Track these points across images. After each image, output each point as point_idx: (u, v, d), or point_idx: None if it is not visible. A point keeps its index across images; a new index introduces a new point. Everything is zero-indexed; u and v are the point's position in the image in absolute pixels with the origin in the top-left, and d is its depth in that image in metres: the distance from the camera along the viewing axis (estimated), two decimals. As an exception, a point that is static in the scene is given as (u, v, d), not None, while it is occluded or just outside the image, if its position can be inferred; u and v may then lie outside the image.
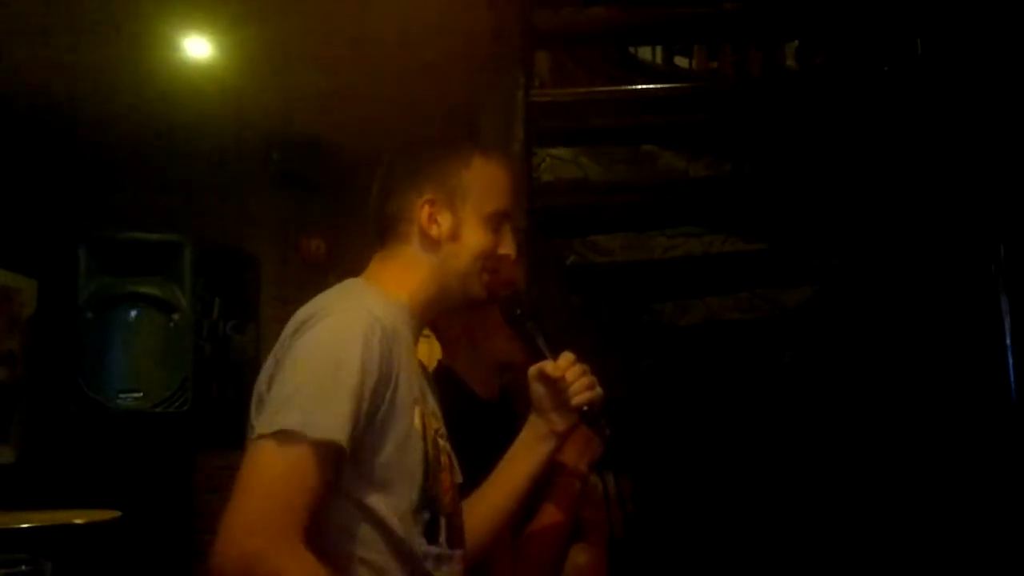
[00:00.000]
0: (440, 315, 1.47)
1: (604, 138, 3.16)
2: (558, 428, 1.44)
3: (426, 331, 1.51)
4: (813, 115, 2.98)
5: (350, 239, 4.38)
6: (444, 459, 1.33)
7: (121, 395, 3.76)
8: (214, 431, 3.91)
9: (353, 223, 4.33)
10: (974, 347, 2.56)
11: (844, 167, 2.91)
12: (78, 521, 3.05)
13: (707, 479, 2.85)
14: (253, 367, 4.26)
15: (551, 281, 2.91)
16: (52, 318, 4.07)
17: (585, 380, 1.41)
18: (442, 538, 1.29)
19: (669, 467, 2.76)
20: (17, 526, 2.89)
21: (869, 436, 2.76)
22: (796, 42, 3.86)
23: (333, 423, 1.14)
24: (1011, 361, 2.42)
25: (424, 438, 1.28)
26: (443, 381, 1.51)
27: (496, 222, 1.40)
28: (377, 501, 1.22)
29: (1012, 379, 2.42)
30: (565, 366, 1.42)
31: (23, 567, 2.17)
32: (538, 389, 1.44)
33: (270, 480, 1.13)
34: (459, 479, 1.37)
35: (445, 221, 1.37)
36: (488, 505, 1.43)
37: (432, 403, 1.36)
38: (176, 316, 3.87)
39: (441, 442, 1.33)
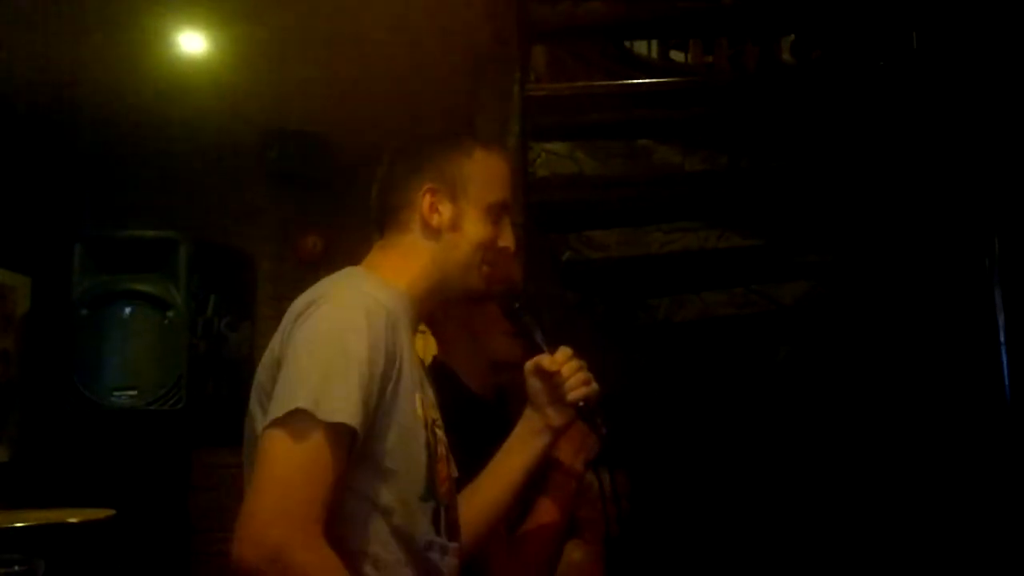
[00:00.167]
0: (437, 309, 1.47)
1: (600, 133, 3.16)
2: (554, 423, 1.44)
3: (421, 327, 1.50)
4: (809, 109, 2.97)
5: (347, 236, 4.37)
6: (441, 450, 1.32)
7: (116, 393, 3.75)
8: (209, 429, 3.90)
9: (350, 221, 4.31)
10: (968, 342, 2.56)
11: (840, 162, 2.90)
12: (73, 520, 3.04)
13: (702, 475, 2.85)
14: (248, 364, 4.27)
15: (546, 276, 2.91)
16: (46, 316, 4.06)
17: (582, 375, 1.41)
18: (441, 528, 1.29)
19: (665, 463, 2.76)
20: (11, 525, 2.89)
21: (864, 432, 2.76)
22: (792, 36, 3.86)
23: (344, 407, 1.13)
24: (1005, 356, 2.42)
25: (425, 426, 1.28)
26: (438, 376, 1.50)
27: (496, 214, 1.41)
28: (379, 489, 1.21)
29: (1006, 374, 2.42)
30: (562, 360, 1.42)
31: (16, 567, 2.16)
32: (535, 383, 1.44)
33: (288, 470, 1.12)
34: (455, 472, 1.37)
35: (446, 211, 1.38)
36: (483, 499, 1.43)
37: (430, 393, 1.36)
38: (171, 313, 3.86)
39: (438, 432, 1.33)
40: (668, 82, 3.49)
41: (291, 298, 1.33)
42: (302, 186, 4.57)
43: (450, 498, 1.33)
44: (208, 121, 4.02)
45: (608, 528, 1.55)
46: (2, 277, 4.00)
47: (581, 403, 1.41)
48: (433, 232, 1.37)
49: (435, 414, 1.34)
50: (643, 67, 3.77)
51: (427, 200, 1.37)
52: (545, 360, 1.42)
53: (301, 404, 1.12)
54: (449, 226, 1.38)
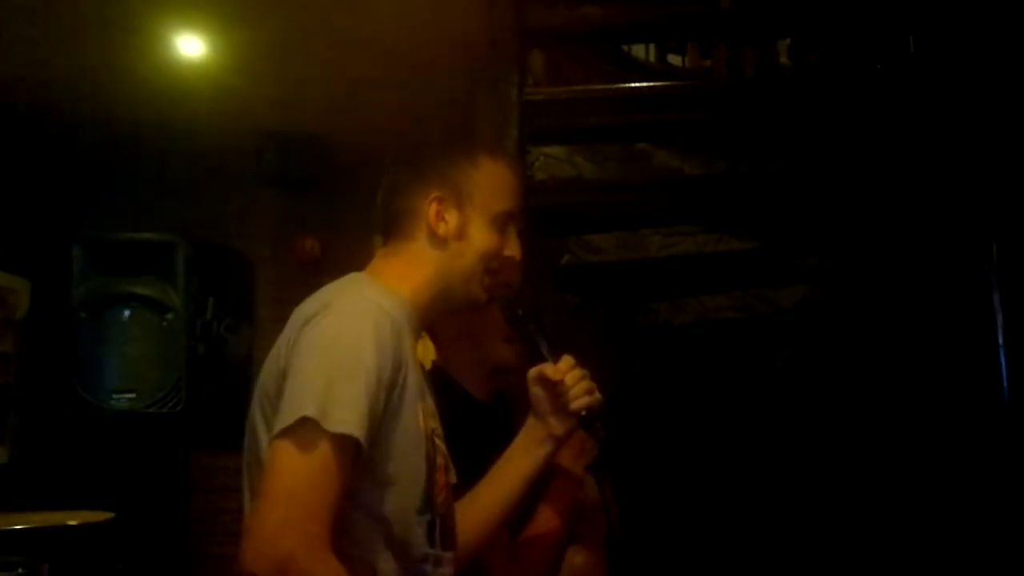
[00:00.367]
0: (439, 316, 1.46)
1: (598, 137, 3.16)
2: (556, 432, 1.43)
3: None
4: (807, 113, 2.98)
5: (344, 239, 4.37)
6: (440, 460, 1.32)
7: (115, 395, 3.76)
8: (207, 431, 3.91)
9: (348, 223, 4.32)
10: (967, 346, 2.56)
11: (837, 166, 2.91)
12: (72, 522, 3.04)
13: (701, 478, 2.85)
14: (247, 367, 4.27)
15: (546, 281, 2.91)
16: (45, 318, 4.06)
17: (584, 384, 1.41)
18: (436, 539, 1.29)
19: (663, 467, 2.77)
20: (10, 528, 2.88)
21: (862, 435, 2.77)
22: (789, 40, 3.87)
23: (350, 418, 1.14)
24: (1003, 359, 2.42)
25: (426, 437, 1.28)
26: (438, 382, 1.50)
27: (502, 223, 1.41)
28: (379, 499, 1.21)
29: (1004, 377, 2.42)
30: (565, 369, 1.41)
31: (20, 569, 2.16)
32: (537, 392, 1.44)
33: (297, 481, 1.12)
34: (453, 479, 1.37)
35: (452, 219, 1.37)
36: (482, 507, 1.43)
37: (430, 402, 1.36)
38: (170, 316, 3.87)
39: (438, 442, 1.33)
40: (666, 86, 3.50)
41: (290, 300, 1.33)
42: (300, 189, 4.57)
43: (447, 507, 1.33)
44: (206, 124, 4.02)
45: (611, 532, 1.56)
46: (3, 280, 4.00)
47: (583, 412, 1.40)
48: (439, 241, 1.37)
49: (435, 423, 1.34)
50: (641, 71, 3.78)
51: (433, 208, 1.37)
52: (548, 369, 1.42)
53: (308, 413, 1.12)
54: (455, 235, 1.37)
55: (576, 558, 1.60)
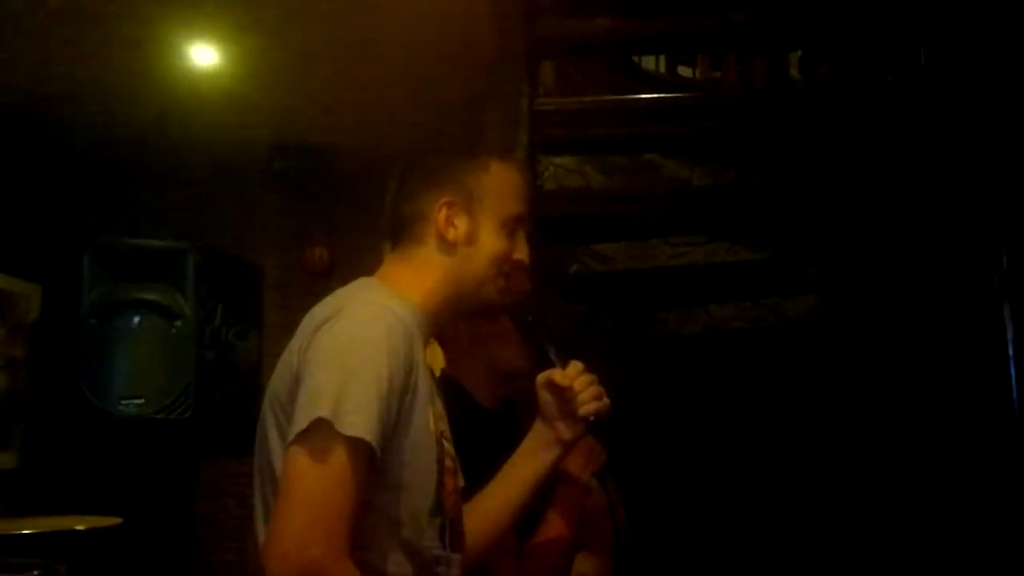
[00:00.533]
0: (448, 322, 1.47)
1: (608, 147, 3.17)
2: (564, 437, 1.43)
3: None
4: (817, 125, 2.98)
5: (353, 247, 4.39)
6: (449, 463, 1.33)
7: (123, 401, 3.76)
8: (216, 438, 3.91)
9: (356, 231, 4.35)
10: (977, 358, 2.56)
11: (847, 177, 2.91)
12: (80, 528, 3.04)
13: (707, 486, 2.84)
14: (256, 373, 4.28)
15: (554, 289, 2.91)
16: (55, 324, 4.08)
17: (593, 390, 1.41)
18: (447, 542, 1.29)
19: (669, 474, 2.76)
20: (19, 532, 2.89)
21: (871, 445, 2.76)
22: (800, 52, 3.87)
23: (361, 422, 1.14)
24: (1013, 371, 2.42)
25: (436, 440, 1.29)
26: (447, 389, 1.51)
27: (512, 227, 1.41)
28: (391, 502, 1.21)
29: (1015, 389, 2.42)
30: (574, 375, 1.41)
31: (35, 572, 2.17)
32: (546, 397, 1.44)
33: (317, 488, 1.12)
34: (462, 483, 1.37)
35: (462, 224, 1.37)
36: (489, 510, 1.43)
37: (439, 405, 1.36)
38: (179, 323, 3.88)
39: (447, 445, 1.33)
40: (676, 97, 3.51)
41: (298, 307, 1.33)
42: (309, 197, 4.59)
43: (456, 510, 1.33)
44: (217, 132, 4.05)
45: (616, 539, 1.55)
46: (13, 286, 4.02)
47: (592, 418, 1.41)
48: (449, 246, 1.37)
49: (444, 426, 1.34)
50: (651, 82, 3.79)
51: (443, 213, 1.37)
52: (557, 375, 1.42)
53: (322, 414, 1.13)
54: (465, 240, 1.37)
55: (585, 565, 1.59)
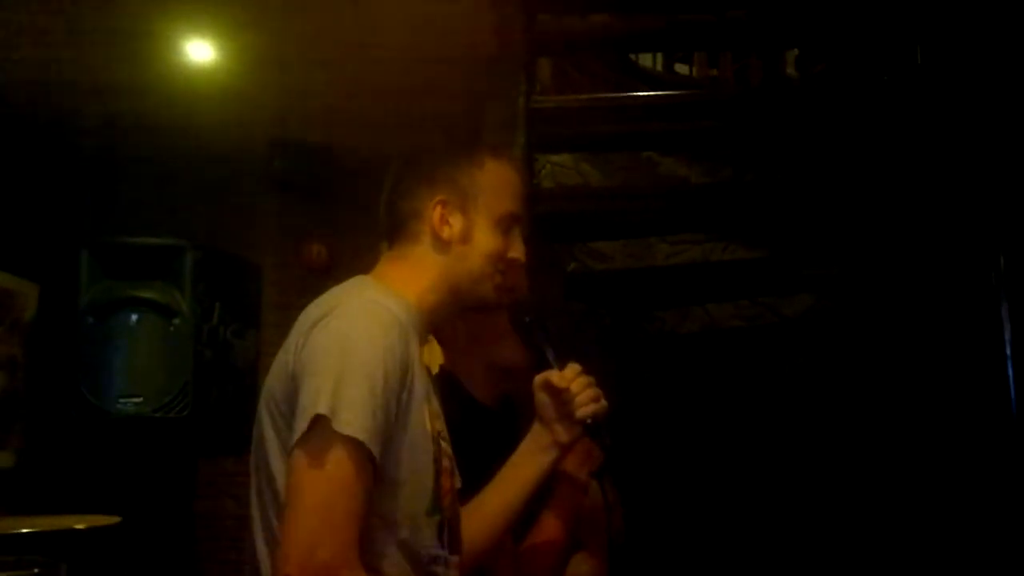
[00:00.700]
0: (445, 319, 1.47)
1: (605, 145, 3.17)
2: (562, 439, 1.43)
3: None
4: (813, 123, 2.98)
5: (351, 245, 4.38)
6: (446, 463, 1.33)
7: (121, 400, 3.76)
8: (214, 436, 3.91)
9: (354, 229, 4.33)
10: (974, 357, 2.56)
11: (844, 175, 2.91)
12: (79, 526, 3.04)
13: (705, 486, 2.85)
14: (254, 372, 4.28)
15: (551, 288, 2.91)
16: (53, 322, 4.07)
17: (590, 392, 1.41)
18: (445, 541, 1.29)
19: (667, 475, 2.76)
20: (17, 531, 2.89)
21: (869, 445, 2.76)
22: (796, 50, 3.87)
23: (355, 421, 1.14)
24: (1011, 371, 2.42)
25: (433, 439, 1.28)
26: (445, 386, 1.51)
27: (507, 225, 1.40)
28: (389, 502, 1.21)
29: (1012, 389, 2.42)
30: (571, 377, 1.41)
31: (36, 570, 2.17)
32: (543, 399, 1.43)
33: (325, 489, 1.13)
34: (459, 484, 1.37)
35: (457, 222, 1.37)
36: (486, 512, 1.42)
37: (435, 404, 1.36)
38: (177, 321, 3.87)
39: (443, 444, 1.33)
40: (673, 95, 3.51)
41: (297, 306, 1.33)
42: (307, 194, 4.58)
43: (453, 511, 1.33)
44: (215, 129, 4.04)
45: (613, 539, 1.55)
46: (10, 284, 4.01)
47: (589, 420, 1.40)
48: (443, 244, 1.37)
49: (440, 425, 1.34)
50: (648, 80, 3.79)
51: (438, 212, 1.37)
52: (554, 376, 1.42)
53: (320, 410, 1.13)
54: (460, 238, 1.37)
55: (582, 566, 1.59)
